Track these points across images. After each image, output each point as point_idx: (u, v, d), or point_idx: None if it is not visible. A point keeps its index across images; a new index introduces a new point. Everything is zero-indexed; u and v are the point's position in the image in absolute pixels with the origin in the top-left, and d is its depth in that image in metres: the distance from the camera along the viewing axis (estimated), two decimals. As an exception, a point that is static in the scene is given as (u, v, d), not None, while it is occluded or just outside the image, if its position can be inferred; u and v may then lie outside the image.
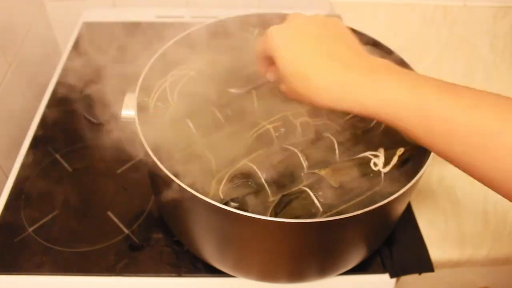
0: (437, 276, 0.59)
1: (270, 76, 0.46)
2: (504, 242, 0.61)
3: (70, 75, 0.82)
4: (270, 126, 0.51)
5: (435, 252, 0.59)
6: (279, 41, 0.41)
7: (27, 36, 0.87)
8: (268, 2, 1.00)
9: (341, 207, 0.46)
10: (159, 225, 0.61)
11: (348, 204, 0.46)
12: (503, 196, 0.34)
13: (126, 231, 0.60)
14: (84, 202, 0.63)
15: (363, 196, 0.47)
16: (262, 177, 0.47)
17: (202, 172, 0.48)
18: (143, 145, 0.46)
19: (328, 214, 0.45)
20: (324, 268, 0.53)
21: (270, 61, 0.43)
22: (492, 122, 0.32)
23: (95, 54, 0.86)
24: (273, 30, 0.42)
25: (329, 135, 0.51)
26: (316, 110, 0.52)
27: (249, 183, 0.46)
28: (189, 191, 0.42)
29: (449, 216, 0.64)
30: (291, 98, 0.43)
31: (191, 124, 0.51)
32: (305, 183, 0.47)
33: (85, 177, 0.66)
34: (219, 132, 0.51)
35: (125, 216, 0.62)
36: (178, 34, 0.58)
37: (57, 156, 0.69)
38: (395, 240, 0.60)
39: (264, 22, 0.61)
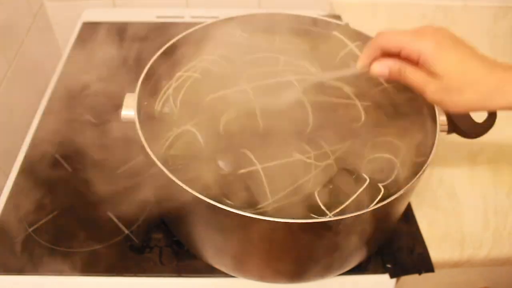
0: (437, 276, 0.59)
1: (378, 69, 0.44)
2: (504, 242, 0.61)
3: (70, 73, 0.82)
4: None
5: (435, 252, 0.59)
6: (443, 40, 0.42)
7: (27, 36, 0.87)
8: (268, 2, 1.00)
9: None
10: (159, 225, 0.61)
11: None
12: None
13: (126, 231, 0.60)
14: (84, 202, 0.63)
15: None
16: None
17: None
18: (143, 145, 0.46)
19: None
20: (324, 268, 0.53)
21: (382, 54, 0.43)
22: None
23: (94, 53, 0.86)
24: (432, 29, 0.42)
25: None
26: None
27: None
28: (189, 191, 0.42)
29: (449, 216, 0.64)
30: (436, 99, 0.42)
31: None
32: None
33: (85, 177, 0.66)
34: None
35: (125, 216, 0.62)
36: (178, 34, 0.58)
37: (57, 156, 0.69)
38: (395, 240, 0.60)
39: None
